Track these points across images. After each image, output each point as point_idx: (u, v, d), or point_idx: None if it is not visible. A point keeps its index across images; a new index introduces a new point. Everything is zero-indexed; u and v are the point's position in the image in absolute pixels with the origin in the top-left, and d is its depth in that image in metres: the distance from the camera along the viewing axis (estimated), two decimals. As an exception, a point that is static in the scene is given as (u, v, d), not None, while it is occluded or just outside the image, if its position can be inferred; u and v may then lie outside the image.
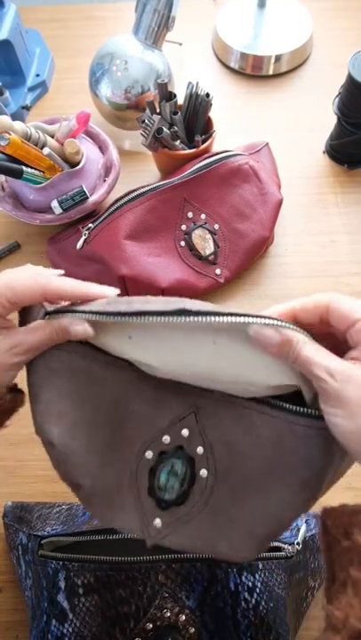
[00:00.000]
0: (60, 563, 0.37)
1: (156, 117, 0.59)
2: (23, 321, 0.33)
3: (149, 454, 0.31)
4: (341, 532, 0.27)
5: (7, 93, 0.74)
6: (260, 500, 0.29)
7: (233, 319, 0.26)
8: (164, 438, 0.31)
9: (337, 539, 0.27)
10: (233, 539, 0.30)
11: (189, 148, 0.63)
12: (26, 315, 0.32)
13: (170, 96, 0.62)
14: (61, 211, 0.59)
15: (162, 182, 0.58)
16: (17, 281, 0.28)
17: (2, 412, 0.32)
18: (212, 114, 0.64)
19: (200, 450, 0.30)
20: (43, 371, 0.31)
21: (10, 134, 0.54)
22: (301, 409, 0.28)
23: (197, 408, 0.31)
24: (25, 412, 0.56)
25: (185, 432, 0.31)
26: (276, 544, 0.38)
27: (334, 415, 0.25)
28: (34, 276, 0.29)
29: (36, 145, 0.58)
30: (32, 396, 0.32)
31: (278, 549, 0.38)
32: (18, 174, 0.56)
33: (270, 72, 0.79)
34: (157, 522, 0.31)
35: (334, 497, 0.49)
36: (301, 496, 0.29)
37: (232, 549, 0.30)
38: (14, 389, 0.33)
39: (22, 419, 0.55)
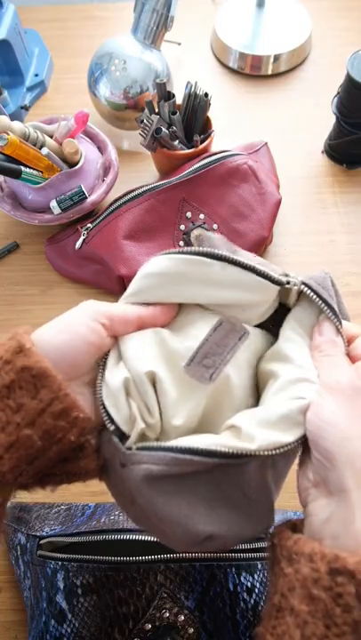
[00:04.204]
0: (59, 563, 0.37)
1: (154, 117, 0.59)
2: None
3: None
4: (286, 555, 0.25)
5: (6, 93, 0.74)
6: None
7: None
8: None
9: (279, 560, 0.25)
10: None
11: (188, 148, 0.63)
12: None
13: (168, 96, 0.62)
14: (60, 211, 0.59)
15: (160, 182, 0.58)
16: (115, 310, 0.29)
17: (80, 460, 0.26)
18: (211, 114, 0.64)
19: None
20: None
21: (8, 134, 0.54)
22: None
23: None
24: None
25: None
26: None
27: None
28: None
29: (34, 145, 0.58)
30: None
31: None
32: (16, 174, 0.56)
33: (269, 72, 0.79)
34: None
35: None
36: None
37: None
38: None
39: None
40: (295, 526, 0.27)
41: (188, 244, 0.58)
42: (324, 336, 0.30)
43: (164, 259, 0.30)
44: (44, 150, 0.57)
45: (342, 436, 0.26)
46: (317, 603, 0.23)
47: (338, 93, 0.65)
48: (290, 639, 0.23)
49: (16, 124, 0.56)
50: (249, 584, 0.36)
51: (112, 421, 0.26)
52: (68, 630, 0.35)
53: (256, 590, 0.36)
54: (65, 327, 0.27)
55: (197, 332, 0.29)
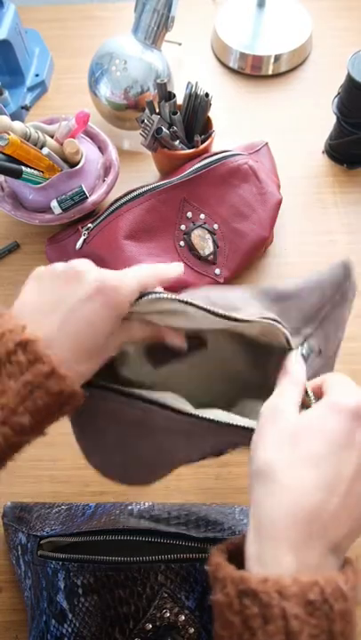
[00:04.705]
0: (60, 563, 0.37)
1: (155, 117, 0.59)
2: None
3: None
4: (212, 581, 0.25)
5: (6, 93, 0.74)
6: None
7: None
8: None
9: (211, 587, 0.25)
10: None
11: (189, 148, 0.63)
12: None
13: (169, 96, 0.62)
14: (61, 211, 0.59)
15: (161, 182, 0.58)
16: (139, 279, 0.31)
17: (64, 403, 0.28)
18: (212, 114, 0.64)
19: None
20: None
21: (9, 134, 0.54)
22: None
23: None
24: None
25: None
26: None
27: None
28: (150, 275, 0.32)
29: (35, 145, 0.58)
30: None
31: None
32: (17, 174, 0.56)
33: (270, 72, 0.79)
34: None
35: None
36: None
37: None
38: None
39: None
40: (228, 548, 0.27)
41: (188, 243, 0.58)
42: (283, 367, 0.32)
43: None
44: (45, 150, 0.57)
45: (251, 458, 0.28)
46: (232, 628, 0.23)
47: (338, 93, 0.65)
48: None
49: (17, 124, 0.56)
50: (249, 584, 0.36)
51: None
52: (69, 630, 0.35)
53: (257, 590, 0.36)
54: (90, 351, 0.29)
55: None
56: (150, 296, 0.30)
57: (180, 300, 0.30)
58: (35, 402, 0.26)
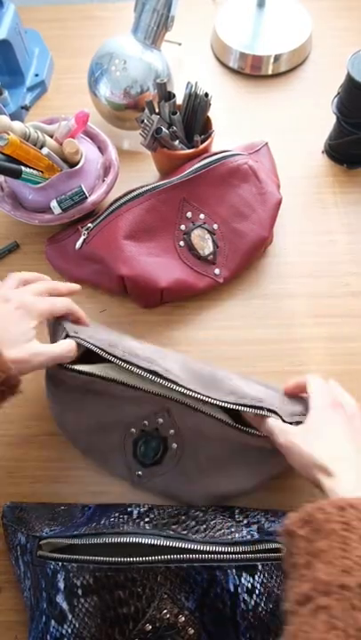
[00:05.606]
0: (60, 563, 0.37)
1: (155, 117, 0.59)
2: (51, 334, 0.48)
3: (133, 430, 0.46)
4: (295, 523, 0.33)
5: (6, 93, 0.74)
6: (218, 475, 0.45)
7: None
8: (144, 422, 0.46)
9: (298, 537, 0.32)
10: (192, 492, 0.46)
11: (188, 148, 0.62)
12: (52, 331, 0.47)
13: (169, 96, 0.62)
14: (60, 211, 0.59)
15: (161, 182, 0.58)
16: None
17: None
18: (212, 114, 0.64)
19: (171, 432, 0.45)
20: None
21: (9, 134, 0.54)
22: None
23: (168, 409, 0.44)
24: (25, 412, 0.56)
25: (160, 420, 0.45)
26: (274, 545, 0.38)
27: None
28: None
29: (35, 145, 0.58)
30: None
31: (277, 550, 0.38)
32: (17, 174, 0.56)
33: (269, 72, 0.79)
34: (140, 472, 0.47)
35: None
36: (251, 482, 0.45)
37: (189, 498, 0.46)
38: None
39: (23, 420, 0.55)
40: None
41: (188, 243, 0.58)
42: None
43: None
44: (45, 150, 0.57)
45: None
46: (331, 535, 0.30)
47: (338, 93, 0.65)
48: (316, 571, 0.29)
49: (16, 124, 0.56)
50: (249, 585, 0.36)
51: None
52: (69, 631, 0.35)
53: (257, 591, 0.36)
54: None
55: None
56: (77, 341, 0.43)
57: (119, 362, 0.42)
58: None
